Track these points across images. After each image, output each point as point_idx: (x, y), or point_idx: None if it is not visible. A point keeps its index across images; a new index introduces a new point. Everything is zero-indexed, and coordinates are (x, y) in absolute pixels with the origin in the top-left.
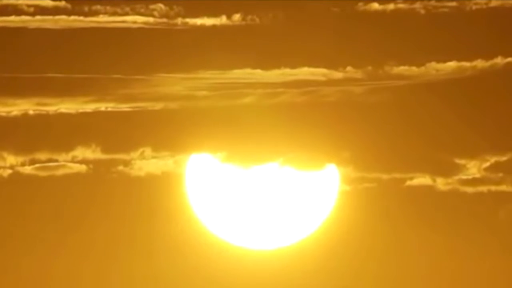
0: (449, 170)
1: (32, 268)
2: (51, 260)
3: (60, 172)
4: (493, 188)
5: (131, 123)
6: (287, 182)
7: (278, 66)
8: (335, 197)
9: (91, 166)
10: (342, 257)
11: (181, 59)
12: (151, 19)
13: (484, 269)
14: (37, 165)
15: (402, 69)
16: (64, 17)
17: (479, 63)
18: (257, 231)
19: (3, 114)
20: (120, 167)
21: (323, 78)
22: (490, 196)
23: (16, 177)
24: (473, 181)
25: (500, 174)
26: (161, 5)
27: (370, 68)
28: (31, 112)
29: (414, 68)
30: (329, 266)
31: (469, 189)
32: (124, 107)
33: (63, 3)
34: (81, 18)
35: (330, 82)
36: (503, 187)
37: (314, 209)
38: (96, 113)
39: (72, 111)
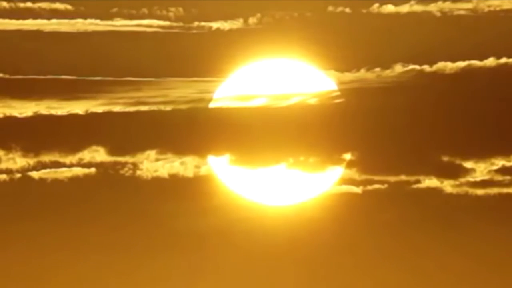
0: (456, 172)
1: (38, 270)
2: (58, 261)
3: (68, 174)
4: (504, 190)
5: (139, 125)
6: (293, 182)
7: (291, 69)
8: (339, 197)
9: (100, 169)
10: (345, 258)
11: (193, 63)
12: (166, 23)
13: (491, 269)
14: (47, 169)
15: (413, 69)
16: (80, 20)
17: (491, 62)
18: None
19: (16, 115)
20: (129, 170)
21: (333, 80)
22: (500, 199)
23: (26, 180)
24: (481, 184)
25: (508, 177)
26: (180, 8)
27: (380, 69)
28: (42, 113)
29: (426, 68)
30: (332, 266)
31: (478, 191)
32: (134, 109)
33: (81, 8)
34: (97, 21)
35: (341, 84)
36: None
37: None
38: (105, 115)
39: (83, 113)
